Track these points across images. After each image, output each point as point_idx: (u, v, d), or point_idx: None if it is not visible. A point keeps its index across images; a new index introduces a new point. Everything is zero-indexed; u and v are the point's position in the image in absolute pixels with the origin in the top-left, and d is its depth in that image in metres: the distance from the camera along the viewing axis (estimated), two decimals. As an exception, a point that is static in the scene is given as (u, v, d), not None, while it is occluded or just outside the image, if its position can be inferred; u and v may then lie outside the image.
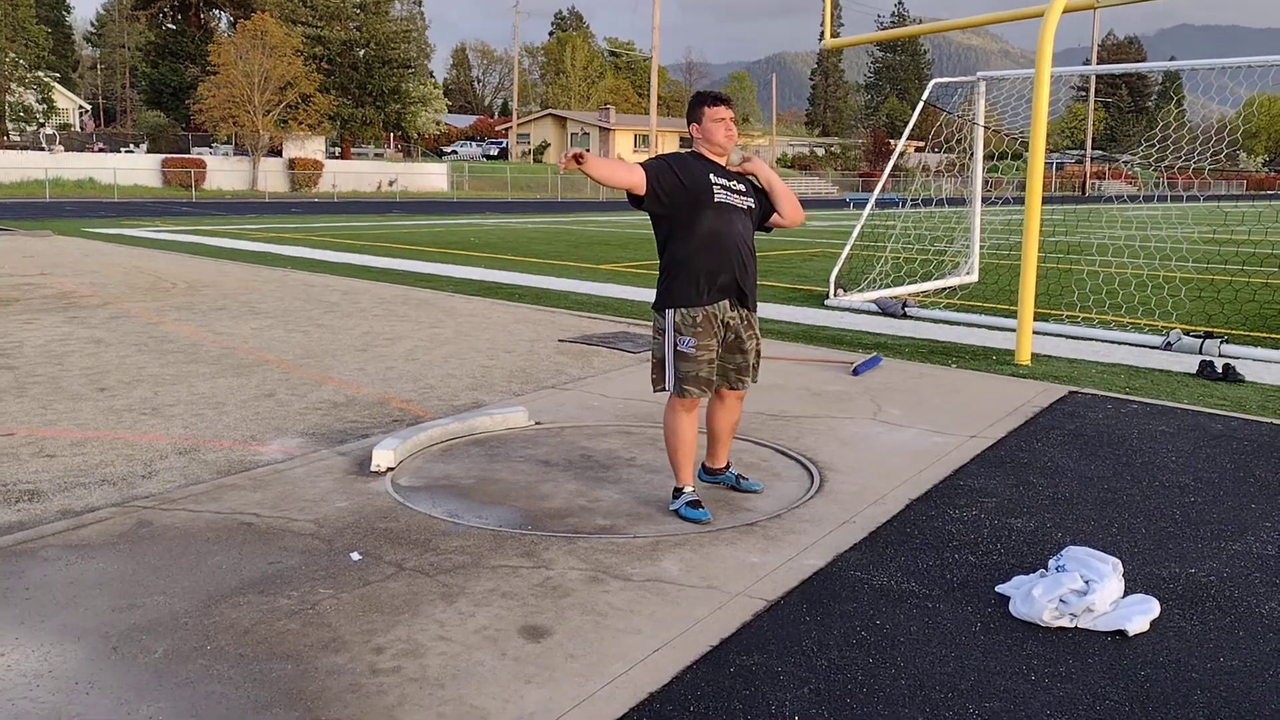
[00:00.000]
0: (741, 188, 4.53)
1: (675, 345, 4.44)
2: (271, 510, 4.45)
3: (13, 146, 51.61)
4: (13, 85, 52.26)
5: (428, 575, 3.79)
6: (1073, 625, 3.45)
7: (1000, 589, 3.72)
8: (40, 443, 5.55)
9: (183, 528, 4.23)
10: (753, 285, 4.55)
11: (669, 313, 4.46)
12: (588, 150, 4.15)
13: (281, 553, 3.98)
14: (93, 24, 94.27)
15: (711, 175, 4.43)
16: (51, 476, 4.96)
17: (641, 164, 4.38)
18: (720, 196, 4.40)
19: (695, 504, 4.49)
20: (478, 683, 3.01)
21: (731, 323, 4.50)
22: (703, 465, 4.97)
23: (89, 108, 75.37)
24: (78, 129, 64.64)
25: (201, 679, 2.99)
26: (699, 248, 4.38)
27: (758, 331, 4.65)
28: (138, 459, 5.27)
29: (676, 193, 4.36)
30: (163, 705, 2.84)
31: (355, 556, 3.95)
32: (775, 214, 4.71)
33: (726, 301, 4.46)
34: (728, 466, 4.94)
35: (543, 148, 79.76)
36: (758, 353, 4.67)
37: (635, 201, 4.38)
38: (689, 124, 4.54)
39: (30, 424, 5.94)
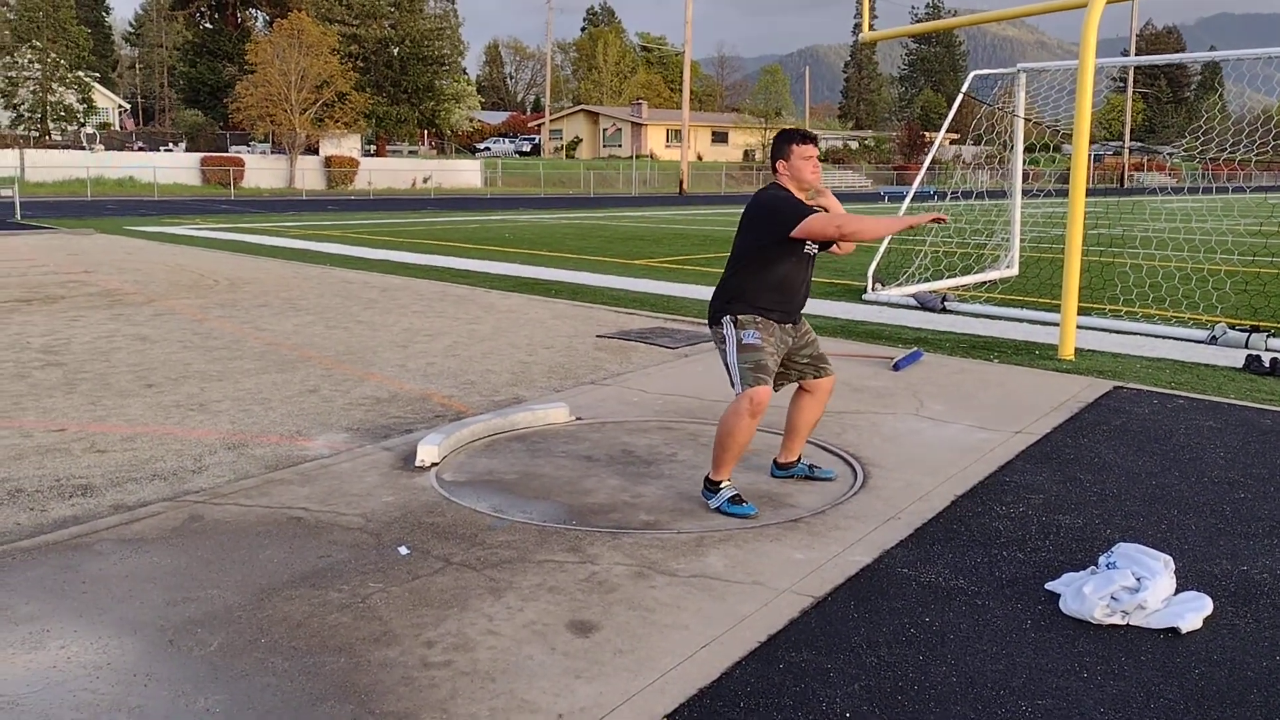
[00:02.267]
0: None
1: (740, 340, 4.52)
2: (320, 505, 4.50)
3: (55, 146, 52.41)
4: (54, 85, 53.06)
5: (475, 570, 3.82)
6: (1125, 623, 3.42)
7: (1050, 586, 3.69)
8: (91, 438, 5.64)
9: (234, 522, 4.28)
10: (802, 306, 4.76)
11: (726, 319, 4.58)
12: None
13: (331, 546, 4.02)
14: (131, 24, 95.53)
15: None
16: (103, 471, 5.04)
17: (803, 211, 4.43)
18: (808, 248, 4.57)
19: (737, 499, 4.49)
20: (528, 677, 3.03)
21: (788, 330, 4.69)
22: (775, 461, 5.06)
23: (128, 107, 76.36)
24: (118, 128, 65.50)
25: (256, 672, 3.03)
26: (772, 286, 4.56)
27: (810, 332, 4.87)
28: (187, 454, 5.35)
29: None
30: (220, 698, 2.89)
31: (403, 550, 3.99)
32: (835, 245, 4.76)
33: (790, 320, 4.69)
34: (799, 460, 5.01)
35: (575, 143, 79.91)
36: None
37: (786, 239, 4.46)
38: (775, 159, 4.62)
39: (81, 420, 6.04)
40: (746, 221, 4.59)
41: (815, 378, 4.82)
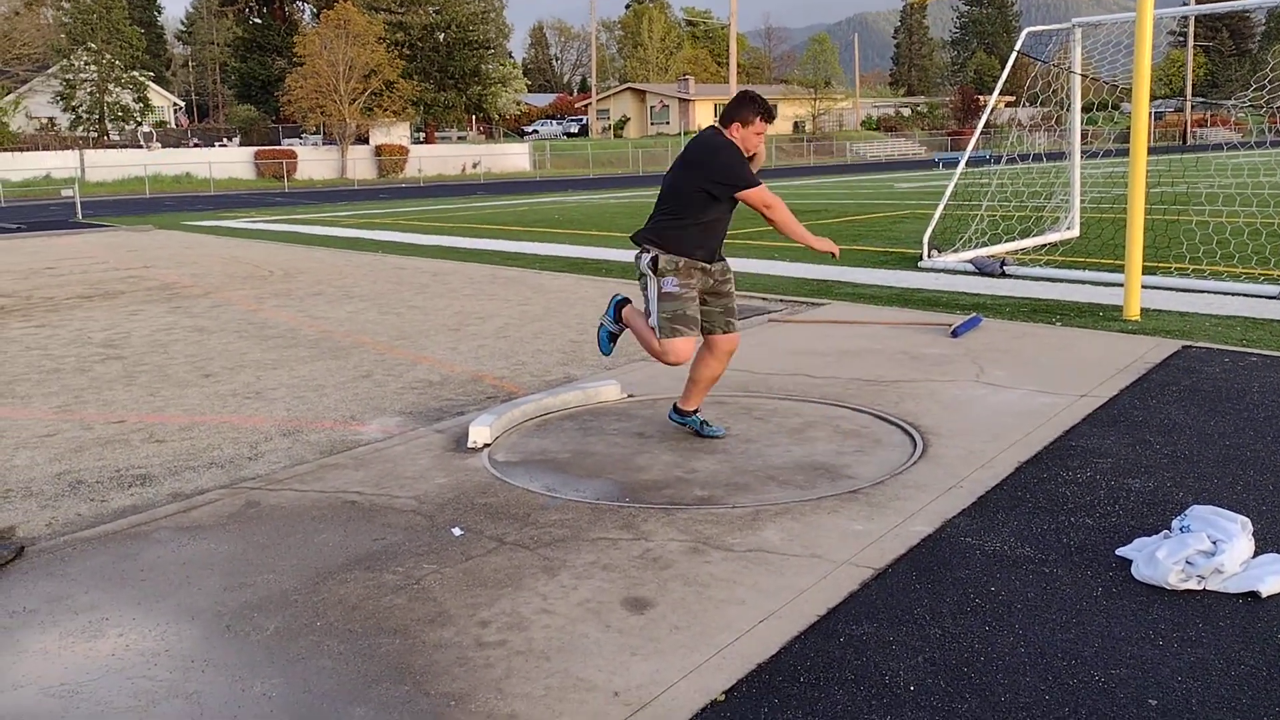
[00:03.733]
0: None
1: (660, 288, 4.86)
2: (374, 488, 4.50)
3: (113, 145, 53.46)
4: (110, 86, 54.06)
5: (528, 549, 3.78)
6: (1201, 588, 3.29)
7: (1121, 552, 3.56)
8: (150, 428, 5.70)
9: (289, 507, 4.30)
10: (721, 246, 5.03)
11: (647, 261, 4.88)
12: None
13: (385, 529, 4.01)
14: (182, 22, 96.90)
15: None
16: (162, 461, 5.09)
17: (753, 179, 4.86)
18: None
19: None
20: (583, 655, 2.99)
21: (710, 269, 4.94)
22: (674, 405, 5.32)
23: (182, 104, 77.60)
24: (173, 126, 66.64)
25: (312, 655, 3.02)
26: (702, 229, 4.88)
27: (731, 279, 5.10)
28: (244, 441, 5.38)
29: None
30: (276, 681, 2.88)
31: (457, 531, 3.97)
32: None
33: (702, 264, 4.93)
34: (696, 411, 5.23)
35: (622, 122, 79.64)
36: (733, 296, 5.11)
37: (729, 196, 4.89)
38: (732, 118, 4.90)
39: (140, 411, 6.11)
40: (695, 161, 4.84)
41: (724, 332, 5.05)
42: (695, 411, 5.24)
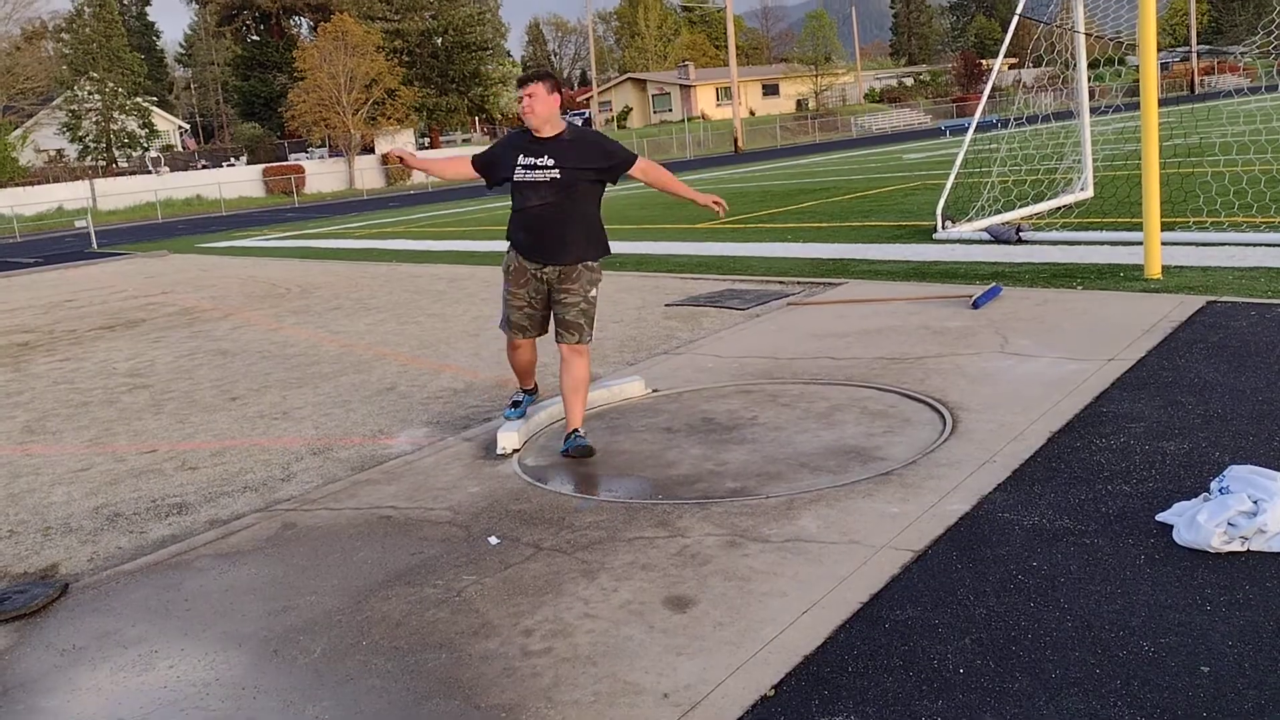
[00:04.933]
0: (548, 161, 4.84)
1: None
2: (408, 501, 4.52)
3: (122, 173, 53.83)
4: (115, 114, 54.40)
5: (566, 553, 3.79)
6: (1244, 549, 3.26)
7: (1161, 518, 3.54)
8: (182, 456, 5.75)
9: (325, 527, 4.32)
10: (559, 247, 4.91)
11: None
12: (410, 153, 5.36)
13: (422, 543, 4.03)
14: (181, 45, 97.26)
15: (521, 155, 4.90)
16: (196, 488, 5.13)
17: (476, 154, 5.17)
18: (519, 175, 4.91)
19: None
20: (629, 658, 2.99)
21: (545, 277, 4.97)
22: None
23: (187, 127, 77.99)
24: (179, 149, 66.98)
25: (361, 675, 3.04)
26: (514, 218, 5.03)
27: (578, 288, 4.95)
28: (275, 463, 5.42)
29: (492, 170, 5.07)
30: (327, 704, 2.90)
31: (493, 540, 3.98)
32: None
33: (538, 261, 4.97)
34: (574, 432, 4.97)
35: (625, 113, 79.53)
36: (580, 309, 4.95)
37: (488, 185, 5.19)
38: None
39: (170, 439, 6.16)
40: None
41: (558, 342, 5.13)
42: (574, 432, 4.96)
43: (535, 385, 5.56)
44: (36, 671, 3.28)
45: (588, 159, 4.91)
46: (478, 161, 5.14)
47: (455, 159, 5.33)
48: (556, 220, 4.89)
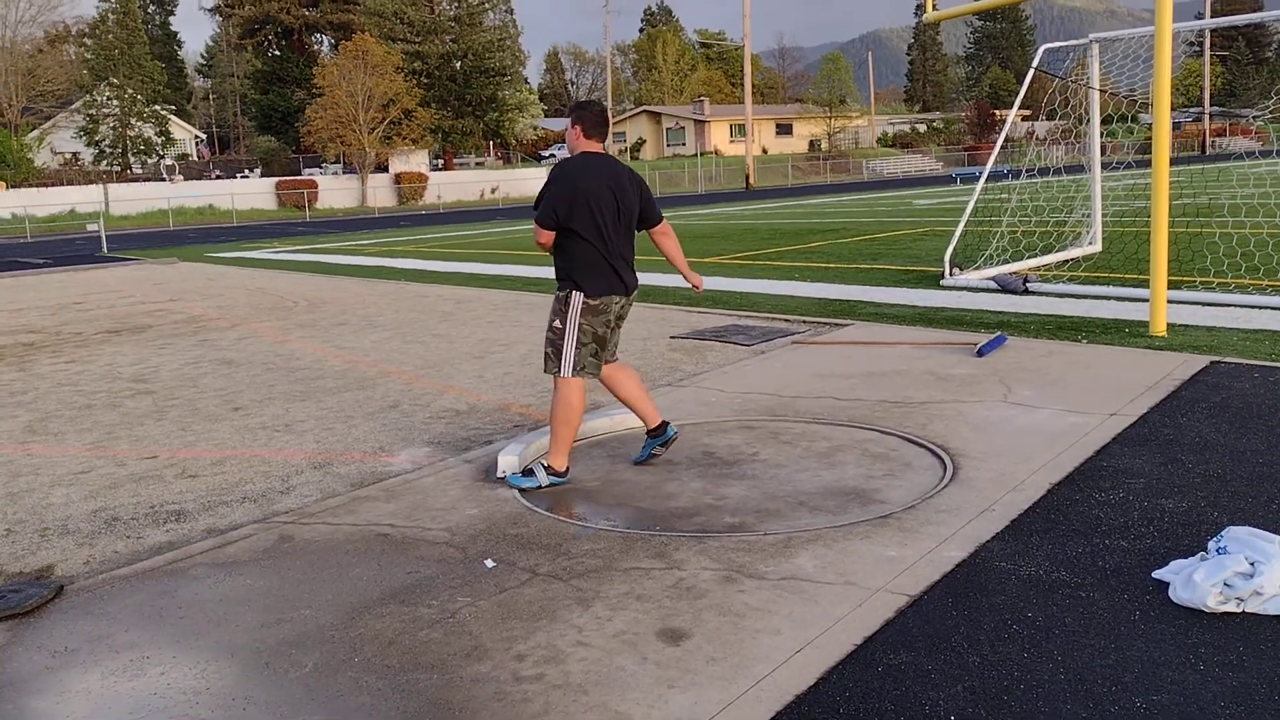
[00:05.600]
0: None
1: None
2: (405, 520, 4.53)
3: (136, 179, 54.13)
4: (132, 120, 54.79)
5: (561, 580, 3.79)
6: (1240, 610, 3.26)
7: (1157, 575, 3.54)
8: (182, 464, 5.76)
9: (322, 541, 4.32)
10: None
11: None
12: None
13: (418, 562, 4.03)
14: (202, 56, 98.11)
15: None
16: (195, 496, 5.13)
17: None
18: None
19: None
20: (620, 688, 2.99)
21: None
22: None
23: (204, 137, 78.50)
24: (195, 158, 67.41)
25: (351, 691, 3.04)
26: None
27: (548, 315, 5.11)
28: (275, 475, 5.43)
29: None
30: (316, 719, 2.89)
31: (489, 563, 3.98)
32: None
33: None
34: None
35: (639, 145, 79.99)
36: (547, 338, 5.04)
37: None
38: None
39: (171, 446, 6.17)
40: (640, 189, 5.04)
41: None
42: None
43: (661, 423, 5.21)
44: (28, 672, 3.27)
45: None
46: None
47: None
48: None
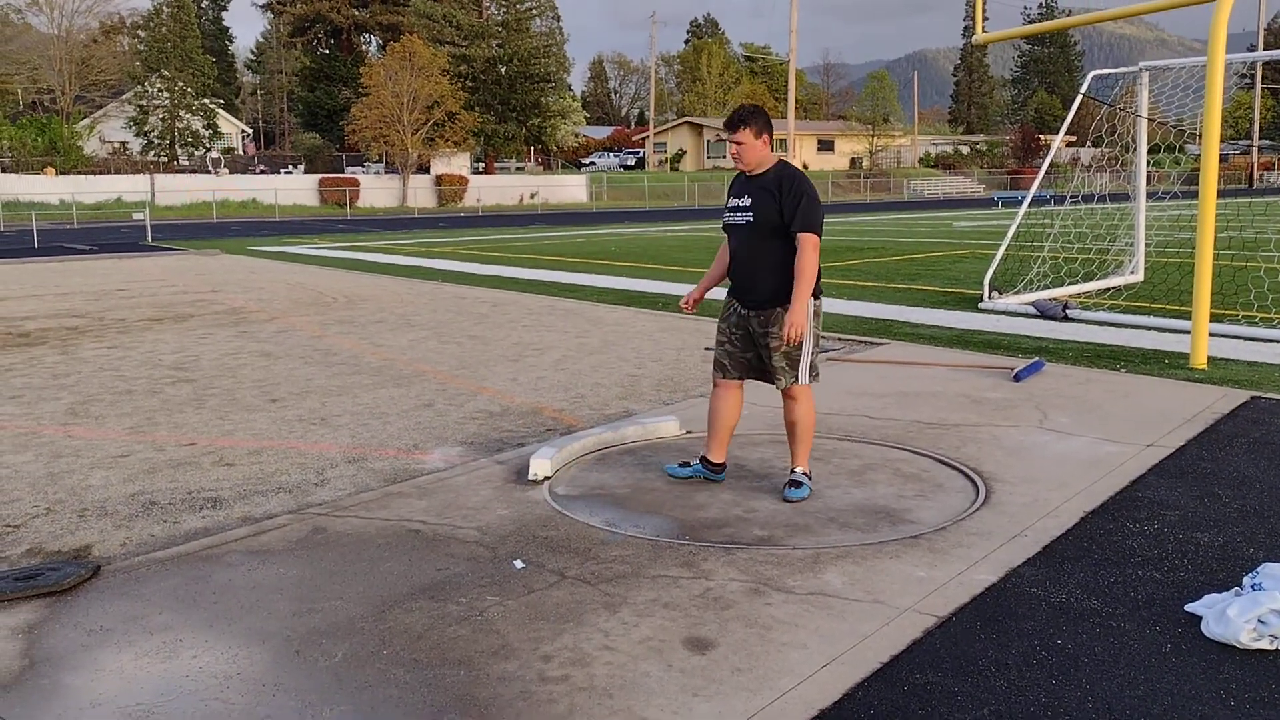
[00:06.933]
0: (744, 202, 4.82)
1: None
2: (437, 518, 4.57)
3: (182, 171, 54.87)
4: (181, 112, 55.58)
5: (589, 584, 3.81)
6: (1274, 648, 3.23)
7: (1190, 608, 3.51)
8: (220, 452, 5.84)
9: (355, 534, 4.37)
10: (749, 288, 4.83)
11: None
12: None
13: (448, 559, 4.07)
14: (253, 52, 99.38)
15: (731, 196, 4.97)
16: (232, 484, 5.21)
17: None
18: (725, 217, 4.97)
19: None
20: (645, 694, 3.00)
21: (748, 318, 4.87)
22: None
23: (250, 132, 79.50)
24: (240, 152, 68.27)
25: (379, 683, 3.07)
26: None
27: (777, 331, 4.75)
28: (310, 467, 5.49)
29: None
30: (344, 709, 2.93)
31: (519, 564, 4.01)
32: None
33: (737, 298, 4.94)
34: (791, 469, 5.01)
35: (679, 156, 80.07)
36: (783, 353, 4.77)
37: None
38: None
39: (209, 434, 6.26)
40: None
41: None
42: (791, 470, 5.03)
43: (725, 463, 5.12)
44: (64, 649, 3.34)
45: (776, 200, 4.71)
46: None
47: (722, 251, 5.15)
48: (748, 260, 4.81)
